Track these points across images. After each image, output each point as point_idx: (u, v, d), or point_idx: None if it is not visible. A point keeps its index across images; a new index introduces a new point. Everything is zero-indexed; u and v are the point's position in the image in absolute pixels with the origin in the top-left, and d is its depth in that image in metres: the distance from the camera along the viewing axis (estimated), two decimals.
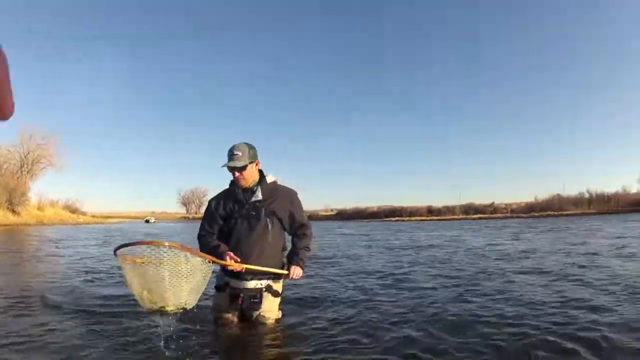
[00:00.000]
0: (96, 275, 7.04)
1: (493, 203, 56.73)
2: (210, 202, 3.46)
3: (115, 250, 2.72)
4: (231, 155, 3.17)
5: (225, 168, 3.21)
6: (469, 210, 56.52)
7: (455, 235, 18.85)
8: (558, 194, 52.60)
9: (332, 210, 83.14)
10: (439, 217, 53.82)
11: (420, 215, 57.50)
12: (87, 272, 7.50)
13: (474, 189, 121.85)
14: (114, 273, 7.00)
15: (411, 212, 60.03)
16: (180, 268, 2.66)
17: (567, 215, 43.41)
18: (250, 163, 3.21)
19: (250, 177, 3.26)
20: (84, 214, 61.88)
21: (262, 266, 3.20)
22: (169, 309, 2.69)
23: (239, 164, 3.16)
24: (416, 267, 7.86)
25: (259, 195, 3.26)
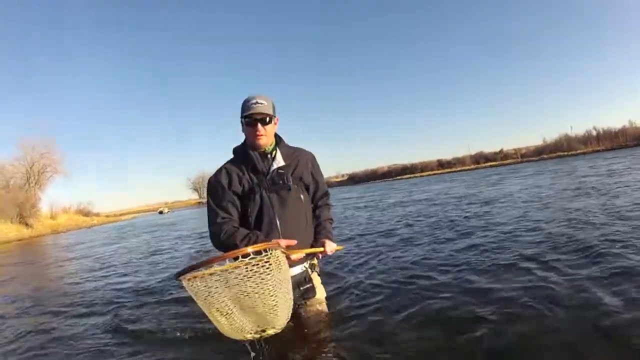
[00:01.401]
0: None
1: (502, 150, 56.52)
2: (215, 178, 2.54)
3: (177, 276, 1.76)
4: (254, 103, 2.42)
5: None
6: (479, 159, 56.41)
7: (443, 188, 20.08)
8: (566, 134, 52.33)
9: (343, 175, 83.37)
10: (449, 170, 53.73)
11: (432, 170, 57.49)
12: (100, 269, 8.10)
13: (483, 138, 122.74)
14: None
15: (422, 168, 60.15)
16: (281, 270, 1.86)
17: (576, 154, 43.14)
18: (274, 117, 2.52)
19: (271, 135, 2.52)
20: (97, 215, 61.66)
21: (307, 247, 2.54)
22: (276, 329, 1.88)
23: (267, 110, 2.43)
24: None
25: (280, 161, 2.52)
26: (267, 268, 1.75)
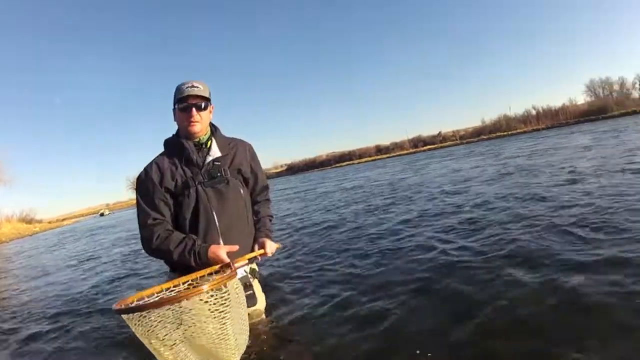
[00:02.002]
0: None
1: (440, 133, 56.83)
2: (145, 174, 2.18)
3: (118, 312, 1.52)
4: (189, 87, 2.16)
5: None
6: (418, 143, 56.36)
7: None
8: (505, 114, 52.77)
9: (282, 165, 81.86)
10: (387, 155, 53.72)
11: (370, 156, 57.42)
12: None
13: (421, 122, 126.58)
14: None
15: (360, 155, 60.12)
16: (239, 300, 1.75)
17: (516, 134, 43.79)
18: (210, 103, 2.27)
19: (206, 124, 2.25)
20: (39, 222, 60.17)
21: (249, 248, 2.30)
22: None
23: (202, 93, 2.18)
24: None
25: (216, 151, 2.23)
26: (226, 305, 1.59)
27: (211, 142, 2.23)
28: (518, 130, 46.21)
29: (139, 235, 2.14)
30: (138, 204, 2.15)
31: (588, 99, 51.12)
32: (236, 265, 1.96)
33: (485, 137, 47.82)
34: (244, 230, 2.26)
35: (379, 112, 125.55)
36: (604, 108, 44.61)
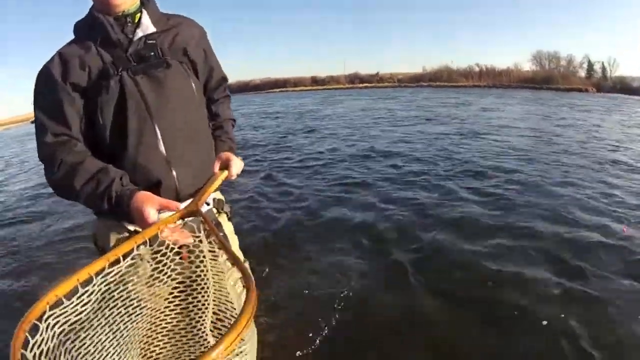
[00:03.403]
0: None
1: (378, 73, 56.38)
2: (42, 72, 1.35)
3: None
4: None
5: None
6: (355, 79, 56.05)
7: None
8: (447, 66, 52.29)
9: None
10: (323, 87, 53.75)
11: (305, 86, 57.04)
12: None
13: (360, 60, 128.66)
14: None
15: (295, 83, 59.36)
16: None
17: (457, 86, 43.51)
18: None
19: None
20: None
21: (208, 174, 1.42)
22: None
23: None
24: None
25: (149, 26, 1.38)
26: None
27: (141, 14, 1.38)
28: (459, 84, 45.56)
29: (40, 160, 1.34)
30: (35, 118, 1.36)
31: (533, 67, 51.03)
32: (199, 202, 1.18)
33: (424, 84, 47.05)
34: (198, 142, 1.41)
35: (320, 45, 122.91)
36: (549, 79, 44.62)
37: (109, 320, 1.01)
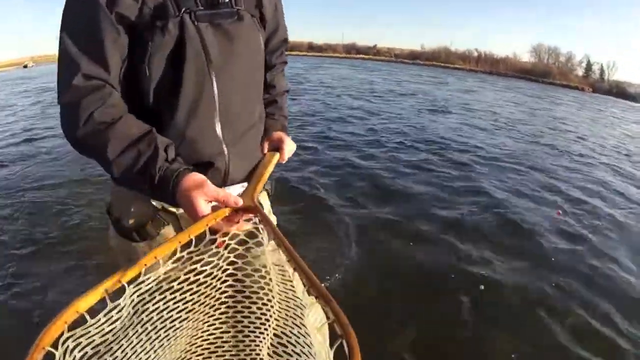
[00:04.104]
0: None
1: (376, 45, 56.19)
2: None
3: None
4: None
5: None
6: (351, 50, 56.04)
7: None
8: (445, 47, 52.12)
9: None
10: (320, 54, 53.72)
11: (300, 51, 56.95)
12: None
13: (359, 31, 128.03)
14: None
15: (292, 47, 59.60)
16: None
17: (452, 68, 43.34)
18: None
19: None
20: None
21: (256, 155, 1.18)
22: None
23: None
24: None
25: None
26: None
27: None
28: (456, 66, 45.60)
29: (60, 111, 0.97)
30: (61, 46, 0.95)
31: (532, 60, 51.22)
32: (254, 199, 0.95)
33: (421, 62, 47.00)
34: (255, 119, 1.16)
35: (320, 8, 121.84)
36: (547, 73, 44.93)
37: (141, 339, 0.82)
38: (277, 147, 1.21)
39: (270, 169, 1.12)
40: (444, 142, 6.61)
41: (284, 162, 1.22)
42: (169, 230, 1.07)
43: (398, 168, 5.01)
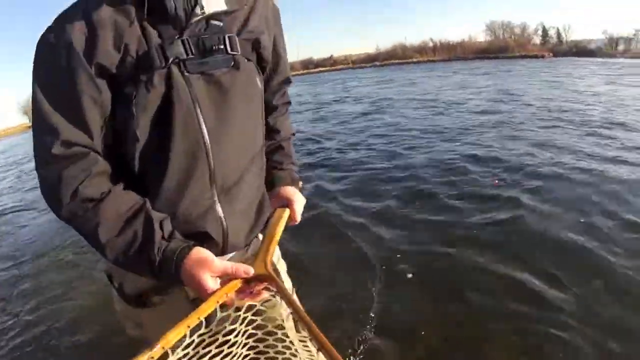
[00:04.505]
0: None
1: (332, 56, 56.70)
2: (55, 37, 0.80)
3: None
4: None
5: None
6: (309, 64, 56.26)
7: None
8: (401, 43, 52.28)
9: None
10: None
11: None
12: None
13: (313, 45, 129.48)
14: None
15: None
16: None
17: (410, 62, 43.60)
18: None
19: None
20: None
21: (258, 214, 1.05)
22: None
23: None
24: None
25: (220, 2, 0.89)
26: None
27: None
28: (413, 60, 45.67)
29: (39, 180, 0.90)
30: (35, 111, 0.84)
31: (488, 38, 51.24)
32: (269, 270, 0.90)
33: (379, 63, 47.14)
34: (254, 175, 1.03)
35: None
36: (504, 48, 44.76)
37: None
38: (286, 205, 1.09)
39: (281, 228, 1.02)
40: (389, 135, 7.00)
41: (297, 222, 1.12)
42: (175, 298, 0.98)
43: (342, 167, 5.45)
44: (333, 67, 50.77)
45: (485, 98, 10.30)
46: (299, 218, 1.11)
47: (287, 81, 1.19)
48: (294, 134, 1.27)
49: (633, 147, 5.10)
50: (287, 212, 1.07)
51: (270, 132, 1.16)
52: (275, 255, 1.13)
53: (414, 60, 45.51)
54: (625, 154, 4.83)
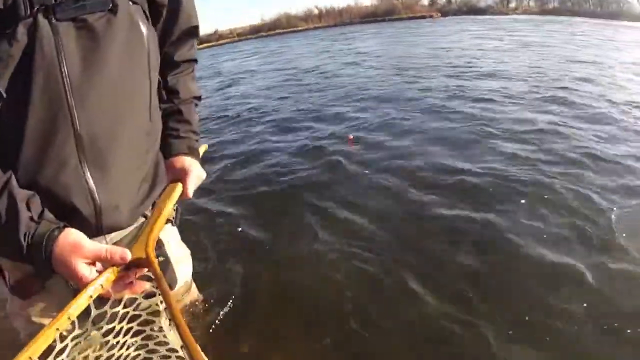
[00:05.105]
0: None
1: (217, 31, 55.60)
2: None
3: None
4: None
5: None
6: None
7: None
8: (286, 12, 52.58)
9: None
10: None
11: None
12: None
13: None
14: None
15: None
16: None
17: (297, 31, 43.87)
18: None
19: None
20: None
21: (143, 187, 0.95)
22: None
23: None
24: None
25: None
26: None
27: None
28: (299, 28, 46.04)
29: None
30: None
31: (374, 2, 52.63)
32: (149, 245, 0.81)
33: (264, 33, 46.80)
34: (139, 141, 0.92)
35: None
36: (391, 10, 45.90)
37: None
38: (179, 178, 1.01)
39: (170, 206, 0.94)
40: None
41: (189, 197, 1.03)
42: (59, 286, 0.87)
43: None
44: (219, 42, 49.80)
45: (339, 62, 10.65)
46: (191, 193, 1.01)
47: (192, 32, 1.07)
48: (198, 97, 1.14)
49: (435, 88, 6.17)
50: (178, 188, 0.98)
51: (169, 93, 1.06)
52: (174, 242, 1.12)
53: (299, 28, 45.48)
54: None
